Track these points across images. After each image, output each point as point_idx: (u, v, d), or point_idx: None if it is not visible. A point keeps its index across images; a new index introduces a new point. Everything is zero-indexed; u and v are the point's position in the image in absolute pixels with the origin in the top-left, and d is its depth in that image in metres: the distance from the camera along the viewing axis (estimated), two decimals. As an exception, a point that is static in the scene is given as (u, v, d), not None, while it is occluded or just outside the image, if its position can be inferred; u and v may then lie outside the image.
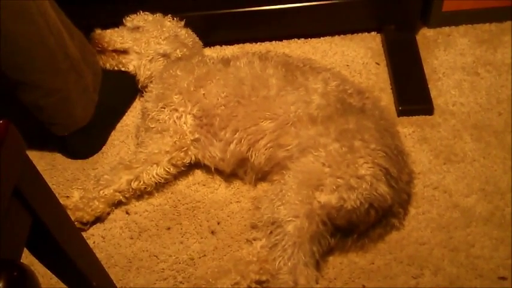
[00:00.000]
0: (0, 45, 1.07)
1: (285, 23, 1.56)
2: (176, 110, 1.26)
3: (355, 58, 1.52)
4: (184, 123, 1.26)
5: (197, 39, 1.50)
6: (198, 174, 1.31)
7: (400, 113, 1.37)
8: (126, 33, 1.44)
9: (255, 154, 1.21)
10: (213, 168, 1.27)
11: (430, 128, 1.35)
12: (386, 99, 1.42)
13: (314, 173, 1.10)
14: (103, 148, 1.39)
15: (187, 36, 1.47)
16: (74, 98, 1.25)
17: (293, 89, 1.21)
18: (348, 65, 1.51)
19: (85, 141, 1.34)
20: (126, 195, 1.24)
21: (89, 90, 1.30)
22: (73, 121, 1.29)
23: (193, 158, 1.27)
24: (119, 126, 1.44)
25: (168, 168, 1.23)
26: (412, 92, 1.40)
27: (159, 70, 1.40)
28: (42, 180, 0.75)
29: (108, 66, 1.44)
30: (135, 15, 1.47)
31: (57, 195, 1.23)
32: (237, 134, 1.21)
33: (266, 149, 1.21)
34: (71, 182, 1.33)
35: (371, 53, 1.53)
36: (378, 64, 1.50)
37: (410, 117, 1.37)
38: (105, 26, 1.47)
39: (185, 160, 1.25)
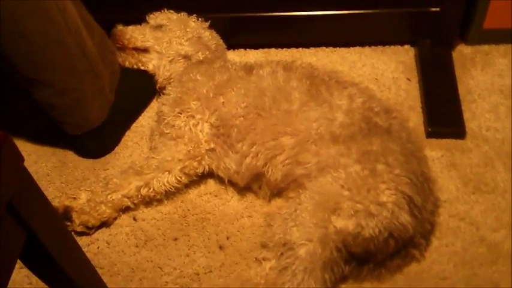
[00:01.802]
0: (15, 43, 1.03)
1: (313, 30, 1.49)
2: (193, 117, 1.21)
3: (385, 72, 1.44)
4: (201, 131, 1.20)
5: (221, 41, 1.44)
6: (211, 184, 1.25)
7: (429, 135, 1.29)
8: (148, 31, 1.39)
9: (272, 170, 1.15)
10: (226, 180, 1.21)
11: (461, 153, 1.26)
12: (415, 118, 1.34)
13: (332, 195, 1.03)
14: (116, 148, 1.34)
15: (211, 38, 1.42)
16: (89, 98, 1.21)
17: (316, 105, 1.15)
18: (376, 79, 1.43)
19: (97, 141, 1.29)
20: (135, 202, 1.19)
21: (105, 91, 1.26)
22: (86, 122, 1.25)
23: (206, 168, 1.21)
24: (133, 126, 1.39)
25: (180, 177, 1.18)
26: (443, 113, 1.32)
27: (178, 72, 1.35)
28: (40, 194, 0.71)
29: (127, 64, 1.39)
30: (159, 12, 1.42)
31: (64, 195, 1.23)
32: (254, 147, 1.15)
33: (284, 166, 1.14)
34: (80, 182, 1.29)
35: (402, 67, 1.45)
36: (409, 80, 1.42)
37: (440, 139, 1.28)
38: (128, 23, 1.42)
39: (198, 170, 1.20)
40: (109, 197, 1.17)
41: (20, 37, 1.02)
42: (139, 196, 1.18)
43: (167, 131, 1.21)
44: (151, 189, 1.18)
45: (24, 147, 1.37)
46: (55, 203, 1.19)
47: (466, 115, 1.32)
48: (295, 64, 1.26)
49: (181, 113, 1.22)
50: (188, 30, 1.39)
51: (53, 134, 1.34)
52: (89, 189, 1.21)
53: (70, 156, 1.34)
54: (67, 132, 1.26)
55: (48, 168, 1.32)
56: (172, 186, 1.18)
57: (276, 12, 1.45)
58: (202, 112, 1.21)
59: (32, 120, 1.39)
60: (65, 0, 1.09)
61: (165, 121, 1.23)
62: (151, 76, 1.39)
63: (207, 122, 1.20)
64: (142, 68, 1.39)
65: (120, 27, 1.40)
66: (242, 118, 1.18)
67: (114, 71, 1.31)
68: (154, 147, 1.24)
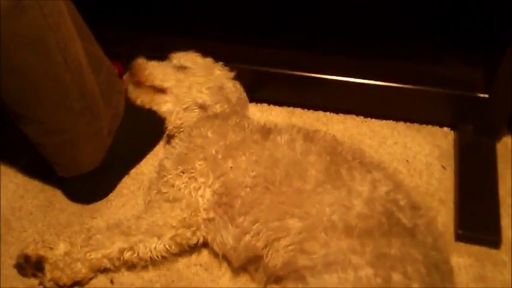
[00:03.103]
0: (4, 76, 0.93)
1: (344, 95, 1.35)
2: (195, 180, 1.08)
3: (418, 154, 1.29)
4: (201, 196, 1.07)
5: (243, 95, 1.33)
6: (203, 255, 1.12)
7: (459, 238, 1.13)
8: (170, 71, 1.28)
9: (272, 254, 1.01)
10: (220, 255, 1.08)
11: (493, 265, 1.09)
12: (445, 215, 1.17)
13: (335, 301, 0.88)
14: (109, 195, 1.22)
15: (234, 90, 1.30)
16: (82, 141, 1.10)
17: (333, 187, 1.00)
18: (407, 161, 1.28)
19: (88, 186, 1.18)
20: (116, 264, 1.06)
21: (101, 134, 1.15)
22: (76, 166, 1.13)
23: (201, 240, 1.08)
24: (133, 172, 1.27)
25: (170, 246, 1.05)
26: (478, 214, 1.15)
27: (190, 122, 1.23)
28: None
29: (138, 101, 1.28)
30: (185, 53, 1.31)
31: (41, 242, 1.10)
32: (256, 225, 1.01)
33: (286, 252, 0.99)
34: (63, 228, 1.17)
35: (438, 152, 1.30)
36: (444, 168, 1.26)
37: (471, 245, 1.12)
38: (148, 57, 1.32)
39: (191, 241, 1.07)
40: (88, 254, 1.04)
41: (10, 71, 0.92)
42: (122, 259, 1.05)
43: (165, 191, 1.09)
44: (136, 254, 1.05)
45: (14, 177, 1.28)
46: (30, 248, 1.07)
47: (504, 221, 1.15)
48: (317, 135, 1.12)
49: (183, 173, 1.09)
50: (211, 78, 1.28)
51: (46, 168, 1.23)
52: (68, 240, 1.09)
53: (59, 196, 1.23)
54: (56, 173, 1.15)
55: (33, 206, 1.21)
56: (160, 255, 1.05)
57: (306, 72, 1.33)
58: (207, 175, 1.08)
59: (27, 149, 1.28)
60: (68, 36, 0.99)
61: (165, 178, 1.10)
62: (161, 118, 1.27)
63: (210, 187, 1.07)
64: (154, 108, 1.28)
65: (140, 60, 1.29)
66: (249, 189, 1.04)
67: (117, 112, 1.20)
68: (149, 204, 1.11)
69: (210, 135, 1.13)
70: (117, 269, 1.08)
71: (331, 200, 0.99)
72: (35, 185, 1.25)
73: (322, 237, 0.96)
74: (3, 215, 1.20)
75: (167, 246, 1.05)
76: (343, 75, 1.32)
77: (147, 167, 1.28)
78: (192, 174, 1.08)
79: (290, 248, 0.99)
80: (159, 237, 1.05)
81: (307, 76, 1.34)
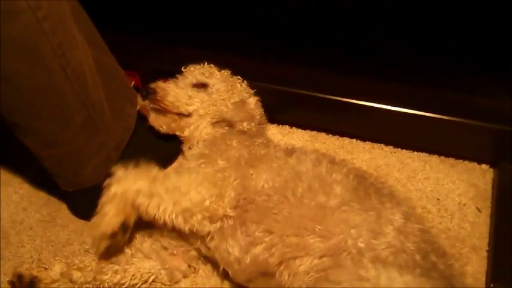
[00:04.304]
0: None
1: (374, 123, 1.25)
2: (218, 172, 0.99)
3: (450, 192, 1.17)
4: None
5: (263, 113, 1.24)
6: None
7: (490, 291, 1.00)
8: (193, 93, 1.16)
9: (288, 275, 0.89)
10: (221, 268, 0.98)
11: (528, 327, 0.96)
12: (477, 264, 1.05)
13: None
14: (113, 214, 1.16)
15: (256, 107, 1.21)
16: (85, 154, 1.04)
17: (361, 208, 0.89)
18: (438, 199, 1.16)
19: (91, 203, 1.11)
20: None
21: (107, 148, 1.08)
22: (79, 180, 1.07)
23: (212, 230, 0.97)
24: (142, 191, 1.21)
25: (176, 217, 0.94)
26: (514, 268, 1.02)
27: (216, 135, 1.14)
28: None
29: (164, 128, 1.17)
30: (198, 66, 1.22)
31: (36, 261, 1.04)
32: (270, 237, 0.91)
33: (308, 278, 0.87)
34: (62, 246, 1.11)
35: (474, 192, 1.17)
36: (479, 211, 1.13)
37: (504, 302, 0.99)
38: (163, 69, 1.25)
39: (200, 227, 0.96)
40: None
41: (2, 78, 0.86)
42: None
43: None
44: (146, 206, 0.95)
45: (20, 188, 1.23)
46: (24, 267, 1.01)
47: (545, 276, 1.02)
48: (345, 162, 1.03)
49: (205, 164, 1.01)
50: (235, 92, 1.19)
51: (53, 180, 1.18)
52: (65, 261, 1.03)
53: (63, 211, 1.18)
54: (58, 186, 1.09)
55: (35, 220, 1.17)
56: (162, 220, 0.95)
57: (333, 95, 1.23)
58: (228, 172, 0.99)
59: (34, 159, 1.24)
60: (70, 43, 0.93)
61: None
62: (177, 139, 1.20)
63: (231, 183, 0.98)
64: (177, 133, 1.19)
65: (161, 84, 1.17)
66: (266, 197, 0.95)
67: (127, 126, 1.13)
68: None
69: (235, 144, 1.05)
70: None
71: (357, 221, 0.88)
72: (40, 197, 1.21)
73: (348, 265, 0.84)
74: (3, 228, 1.15)
75: (175, 218, 0.95)
76: (373, 101, 1.21)
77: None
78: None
79: (312, 274, 0.87)
80: (174, 204, 0.95)
81: (334, 99, 1.24)
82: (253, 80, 1.23)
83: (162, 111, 1.16)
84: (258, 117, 1.20)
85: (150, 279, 1.02)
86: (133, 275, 1.01)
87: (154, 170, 0.99)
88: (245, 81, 1.23)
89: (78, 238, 1.13)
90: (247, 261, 0.93)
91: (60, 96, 0.94)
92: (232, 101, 1.18)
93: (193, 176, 0.98)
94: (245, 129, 1.16)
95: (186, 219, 0.95)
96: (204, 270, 1.06)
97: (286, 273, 0.90)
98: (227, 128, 1.16)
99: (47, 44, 0.88)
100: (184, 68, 1.22)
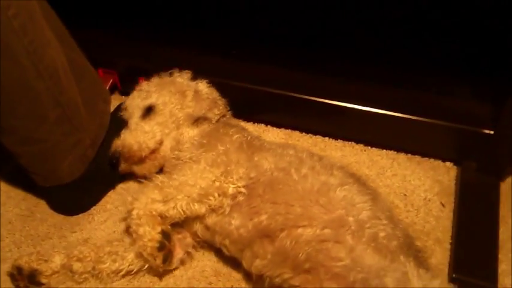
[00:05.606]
0: None
1: (345, 121, 1.30)
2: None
3: (416, 188, 1.23)
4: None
5: (219, 95, 1.22)
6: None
7: (452, 281, 1.06)
8: (147, 125, 1.13)
9: (290, 242, 0.91)
10: (218, 241, 1.02)
11: (487, 314, 1.03)
12: (440, 255, 1.11)
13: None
14: (92, 209, 1.19)
15: (210, 91, 1.19)
16: (60, 151, 1.06)
17: (360, 192, 0.97)
18: (405, 195, 1.22)
19: (70, 198, 1.14)
20: None
21: (83, 145, 1.11)
22: (55, 176, 1.09)
23: (207, 220, 1.01)
24: (119, 186, 1.24)
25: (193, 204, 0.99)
26: (475, 259, 1.09)
27: (203, 134, 1.14)
28: None
29: (154, 170, 1.15)
30: (130, 95, 1.20)
31: (35, 254, 1.04)
32: (274, 207, 0.95)
33: (309, 247, 0.90)
34: (41, 240, 1.13)
35: (439, 188, 1.24)
36: (443, 206, 1.20)
37: (464, 291, 1.06)
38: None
39: (214, 202, 0.99)
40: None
41: None
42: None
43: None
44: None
45: (-3, 183, 1.25)
46: (8, 258, 1.03)
47: (502, 266, 1.09)
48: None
49: (207, 152, 1.04)
50: (181, 89, 1.17)
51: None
52: (63, 252, 1.06)
53: (41, 206, 1.20)
54: (35, 182, 1.11)
55: (14, 215, 1.18)
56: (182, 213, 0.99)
57: (306, 95, 1.28)
58: (232, 155, 1.04)
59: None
60: (42, 41, 0.94)
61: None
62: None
63: (236, 162, 1.03)
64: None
65: (118, 142, 1.13)
66: (271, 175, 1.00)
67: (102, 122, 1.16)
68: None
69: (231, 132, 1.10)
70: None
71: (359, 200, 0.95)
72: (18, 192, 1.22)
73: (348, 241, 0.89)
74: (-18, 223, 1.17)
75: (193, 207, 0.99)
76: (344, 101, 1.27)
77: (134, 182, 1.24)
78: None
79: (313, 244, 0.90)
80: (188, 197, 0.98)
81: (308, 99, 1.29)
82: (228, 79, 1.27)
83: (138, 160, 1.14)
84: (218, 100, 1.20)
85: (147, 265, 1.04)
86: (131, 262, 1.04)
87: (158, 179, 1.02)
88: (177, 70, 1.20)
89: (57, 232, 1.15)
90: (250, 227, 0.97)
91: (34, 93, 0.96)
92: (189, 98, 1.17)
93: (194, 166, 1.02)
94: (218, 117, 1.18)
95: (203, 202, 0.99)
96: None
97: (287, 240, 0.92)
98: (207, 124, 1.17)
99: (18, 42, 0.89)
100: (123, 106, 1.20)
